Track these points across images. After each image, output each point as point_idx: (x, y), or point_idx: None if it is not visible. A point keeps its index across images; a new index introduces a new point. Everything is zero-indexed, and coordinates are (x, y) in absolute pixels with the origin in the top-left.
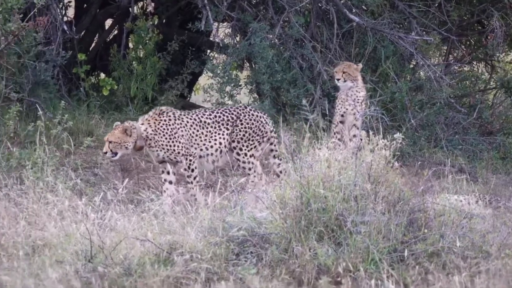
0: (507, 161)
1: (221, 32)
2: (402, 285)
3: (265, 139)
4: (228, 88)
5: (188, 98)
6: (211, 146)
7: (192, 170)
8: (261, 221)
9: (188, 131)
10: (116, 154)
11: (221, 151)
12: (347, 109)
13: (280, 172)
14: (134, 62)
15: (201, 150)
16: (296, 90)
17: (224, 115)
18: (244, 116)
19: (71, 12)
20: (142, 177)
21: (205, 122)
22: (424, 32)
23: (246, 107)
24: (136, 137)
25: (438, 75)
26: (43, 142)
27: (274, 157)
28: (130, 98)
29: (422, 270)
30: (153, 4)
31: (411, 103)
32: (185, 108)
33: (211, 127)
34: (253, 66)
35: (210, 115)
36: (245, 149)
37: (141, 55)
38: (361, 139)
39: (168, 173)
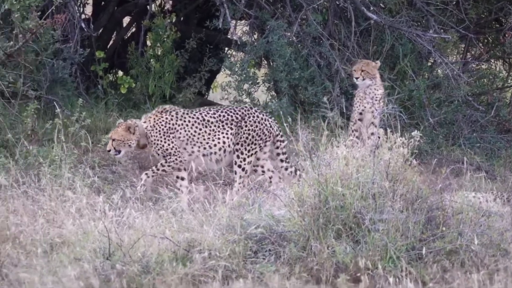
0: None
1: (239, 29)
2: (420, 283)
3: (268, 142)
4: (246, 86)
5: (206, 96)
6: (215, 145)
7: (165, 168)
8: (279, 218)
9: (190, 130)
10: (119, 152)
11: (225, 151)
12: (365, 107)
13: (289, 174)
14: (152, 60)
15: (204, 148)
16: (314, 88)
17: (228, 114)
18: (249, 117)
19: (89, 10)
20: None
21: (208, 120)
22: (442, 30)
23: (251, 108)
24: (139, 135)
25: (456, 73)
26: (61, 140)
27: (282, 160)
28: (148, 96)
29: (440, 268)
30: (171, 2)
31: (429, 101)
32: (203, 105)
33: (215, 126)
34: (271, 64)
35: (214, 114)
36: (246, 154)
37: (159, 53)
38: (379, 137)
39: (179, 169)
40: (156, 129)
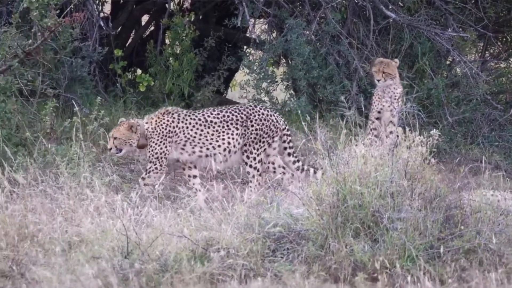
0: None
1: (258, 28)
2: (438, 281)
3: (276, 138)
4: (264, 85)
5: (225, 94)
6: (219, 146)
7: (150, 174)
8: (297, 217)
9: (191, 131)
10: (120, 150)
11: (229, 151)
12: (383, 105)
13: (297, 168)
14: (170, 58)
15: (207, 149)
16: (332, 87)
17: (233, 114)
18: (254, 116)
19: (107, 8)
20: (178, 173)
21: (211, 121)
22: (460, 29)
23: (255, 106)
24: (140, 134)
25: (475, 72)
26: (79, 138)
27: (289, 154)
28: (167, 94)
29: (458, 267)
30: (189, 1)
31: (447, 99)
32: (221, 104)
33: (218, 126)
34: (290, 62)
35: (218, 114)
36: (255, 153)
37: (178, 51)
38: (398, 136)
39: (190, 168)
40: (157, 131)
